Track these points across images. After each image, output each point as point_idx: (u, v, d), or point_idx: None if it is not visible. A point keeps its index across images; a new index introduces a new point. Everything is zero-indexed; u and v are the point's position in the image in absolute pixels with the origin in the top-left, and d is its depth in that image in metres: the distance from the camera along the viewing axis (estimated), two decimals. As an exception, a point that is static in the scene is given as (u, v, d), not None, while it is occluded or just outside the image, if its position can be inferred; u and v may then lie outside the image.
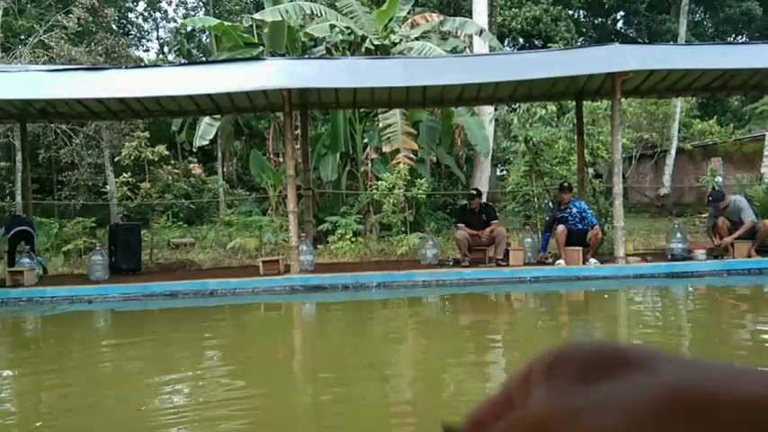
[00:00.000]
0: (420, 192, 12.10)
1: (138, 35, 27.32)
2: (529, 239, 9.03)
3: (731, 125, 20.26)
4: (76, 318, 7.19)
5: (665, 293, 7.54)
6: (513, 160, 13.66)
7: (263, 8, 14.24)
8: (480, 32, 14.06)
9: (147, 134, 12.76)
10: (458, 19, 15.02)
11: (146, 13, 27.49)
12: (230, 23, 14.85)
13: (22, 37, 16.74)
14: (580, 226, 8.59)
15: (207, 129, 14.13)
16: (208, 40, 23.77)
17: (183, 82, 8.55)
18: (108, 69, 9.35)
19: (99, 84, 8.29)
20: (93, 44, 15.03)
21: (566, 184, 9.07)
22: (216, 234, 12.87)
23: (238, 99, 9.61)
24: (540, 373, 0.27)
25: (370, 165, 13.65)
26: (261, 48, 14.33)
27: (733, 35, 29.25)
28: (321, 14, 13.86)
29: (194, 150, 17.13)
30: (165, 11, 28.41)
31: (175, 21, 28.02)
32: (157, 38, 29.50)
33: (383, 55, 13.27)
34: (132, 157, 12.37)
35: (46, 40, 14.49)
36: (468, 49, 15.05)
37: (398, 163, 12.14)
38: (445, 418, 0.31)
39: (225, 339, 6.00)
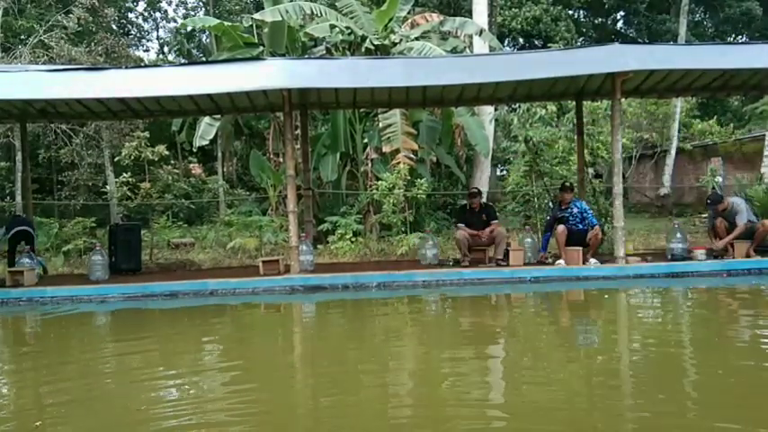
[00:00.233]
0: (420, 192, 12.11)
1: (138, 35, 27.34)
2: (529, 239, 9.03)
3: (731, 125, 20.29)
4: (76, 318, 7.19)
5: (665, 293, 7.54)
6: (513, 160, 13.66)
7: (263, 8, 14.24)
8: (480, 32, 14.07)
9: (147, 134, 12.75)
10: (458, 19, 15.02)
11: (146, 13, 27.51)
12: (230, 23, 14.85)
13: (22, 37, 16.74)
14: (581, 226, 8.59)
15: (207, 129, 14.13)
16: (208, 40, 23.78)
17: (183, 82, 8.54)
18: (108, 69, 9.33)
19: (99, 84, 8.28)
20: (93, 44, 15.03)
21: (567, 184, 9.07)
22: (216, 234, 12.88)
23: (238, 99, 9.61)
24: None
25: (370, 165, 13.65)
26: (261, 48, 14.34)
27: (733, 35, 29.26)
28: (321, 14, 13.86)
29: (194, 150, 17.15)
30: (165, 11, 28.46)
31: (175, 21, 28.08)
32: (157, 38, 29.55)
33: (383, 55, 13.28)
34: (132, 157, 12.36)
35: (46, 40, 14.49)
36: (468, 49, 15.05)
37: (398, 163, 12.15)
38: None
39: (225, 339, 6.00)
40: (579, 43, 25.47)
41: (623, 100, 11.38)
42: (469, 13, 16.33)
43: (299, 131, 11.18)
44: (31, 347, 5.99)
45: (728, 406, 3.55)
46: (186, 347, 5.64)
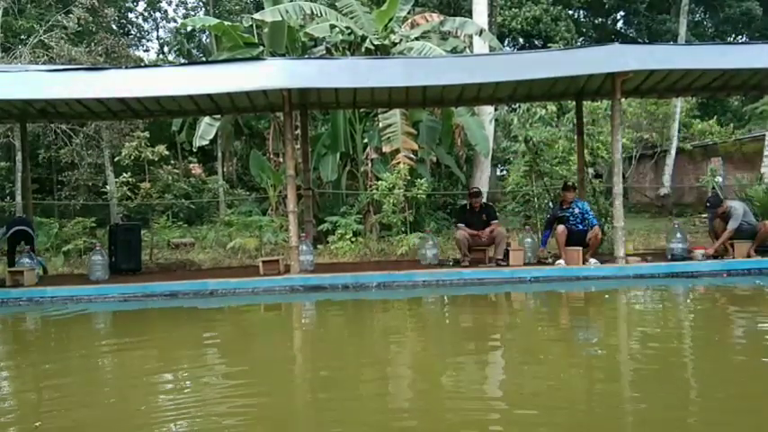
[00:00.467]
0: (420, 192, 12.10)
1: (138, 35, 27.34)
2: (529, 239, 9.03)
3: (731, 125, 20.27)
4: (76, 318, 7.18)
5: (665, 293, 7.54)
6: (513, 160, 13.66)
7: (263, 8, 14.24)
8: (480, 32, 14.07)
9: (147, 134, 12.75)
10: (458, 19, 15.02)
11: (146, 13, 27.51)
12: (230, 23, 14.85)
13: (22, 37, 16.74)
14: (581, 227, 8.59)
15: (207, 129, 14.13)
16: (208, 40, 23.78)
17: (183, 82, 8.54)
18: (108, 69, 9.33)
19: (99, 84, 8.28)
20: (93, 44, 15.03)
21: (570, 183, 9.08)
22: (216, 234, 12.88)
23: (238, 99, 9.61)
24: None
25: (370, 165, 13.65)
26: (261, 48, 14.34)
27: (733, 35, 29.25)
28: (321, 14, 13.86)
29: (194, 150, 17.14)
30: (165, 11, 28.46)
31: (175, 21, 28.07)
32: (157, 38, 29.55)
33: (383, 55, 13.28)
34: (132, 157, 12.36)
35: (46, 40, 14.48)
36: (468, 49, 15.05)
37: (398, 163, 12.15)
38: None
39: (225, 339, 6.00)
40: (579, 43, 25.47)
41: (623, 100, 11.37)
42: (469, 13, 16.33)
43: (299, 131, 11.18)
44: (30, 347, 5.98)
45: (728, 401, 3.57)
46: (186, 347, 5.64)
